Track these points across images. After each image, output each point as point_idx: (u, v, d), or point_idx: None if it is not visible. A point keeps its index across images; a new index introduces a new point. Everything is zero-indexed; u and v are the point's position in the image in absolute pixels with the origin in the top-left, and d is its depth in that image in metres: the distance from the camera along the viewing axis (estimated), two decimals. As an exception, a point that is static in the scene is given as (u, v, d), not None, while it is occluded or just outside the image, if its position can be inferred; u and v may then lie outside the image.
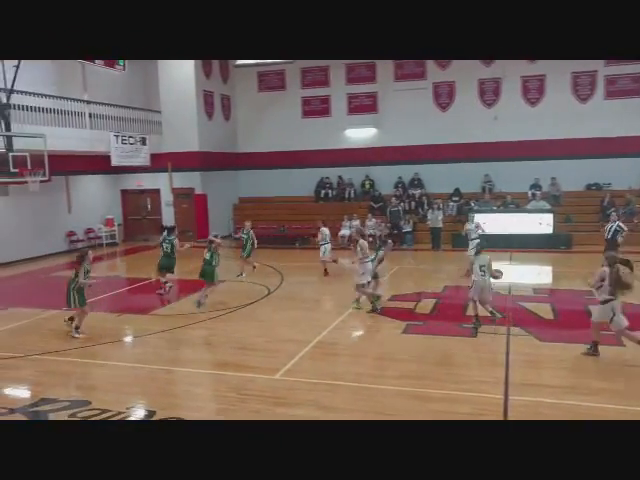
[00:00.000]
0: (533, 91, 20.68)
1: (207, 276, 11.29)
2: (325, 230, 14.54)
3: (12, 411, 6.65)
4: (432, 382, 7.11)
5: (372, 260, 10.66)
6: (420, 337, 9.12)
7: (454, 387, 6.92)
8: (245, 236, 14.49)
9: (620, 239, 13.50)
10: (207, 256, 11.34)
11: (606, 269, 7.71)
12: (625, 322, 7.61)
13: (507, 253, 16.76)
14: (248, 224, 14.78)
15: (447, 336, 9.06)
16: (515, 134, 20.28)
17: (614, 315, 7.59)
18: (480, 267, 9.37)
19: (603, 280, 7.71)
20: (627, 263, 7.69)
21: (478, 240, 12.25)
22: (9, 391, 7.54)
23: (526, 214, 18.78)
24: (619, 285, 7.57)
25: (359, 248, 10.51)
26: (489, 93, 21.12)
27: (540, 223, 18.25)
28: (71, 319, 9.89)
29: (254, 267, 14.31)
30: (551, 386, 6.93)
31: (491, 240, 17.49)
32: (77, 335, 9.57)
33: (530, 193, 19.76)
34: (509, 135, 20.36)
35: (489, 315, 9.38)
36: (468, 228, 14.00)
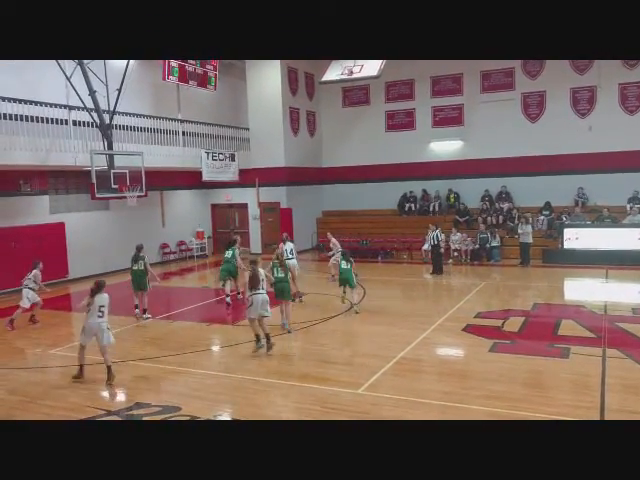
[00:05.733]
0: (632, 99, 19.52)
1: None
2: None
3: (109, 413, 7.07)
4: (521, 404, 6.84)
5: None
6: (508, 356, 8.80)
7: (545, 410, 6.61)
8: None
9: None
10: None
11: None
12: None
13: (602, 270, 15.89)
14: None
15: (537, 356, 8.69)
16: (612, 144, 19.19)
17: None
18: None
19: None
20: None
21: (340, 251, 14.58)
22: (107, 394, 8.02)
23: (624, 229, 17.71)
24: None
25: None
26: (583, 102, 20.16)
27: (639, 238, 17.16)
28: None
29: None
30: (653, 414, 6.47)
31: (584, 256, 16.84)
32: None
33: (628, 207, 18.62)
34: (605, 146, 19.31)
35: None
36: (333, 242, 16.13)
